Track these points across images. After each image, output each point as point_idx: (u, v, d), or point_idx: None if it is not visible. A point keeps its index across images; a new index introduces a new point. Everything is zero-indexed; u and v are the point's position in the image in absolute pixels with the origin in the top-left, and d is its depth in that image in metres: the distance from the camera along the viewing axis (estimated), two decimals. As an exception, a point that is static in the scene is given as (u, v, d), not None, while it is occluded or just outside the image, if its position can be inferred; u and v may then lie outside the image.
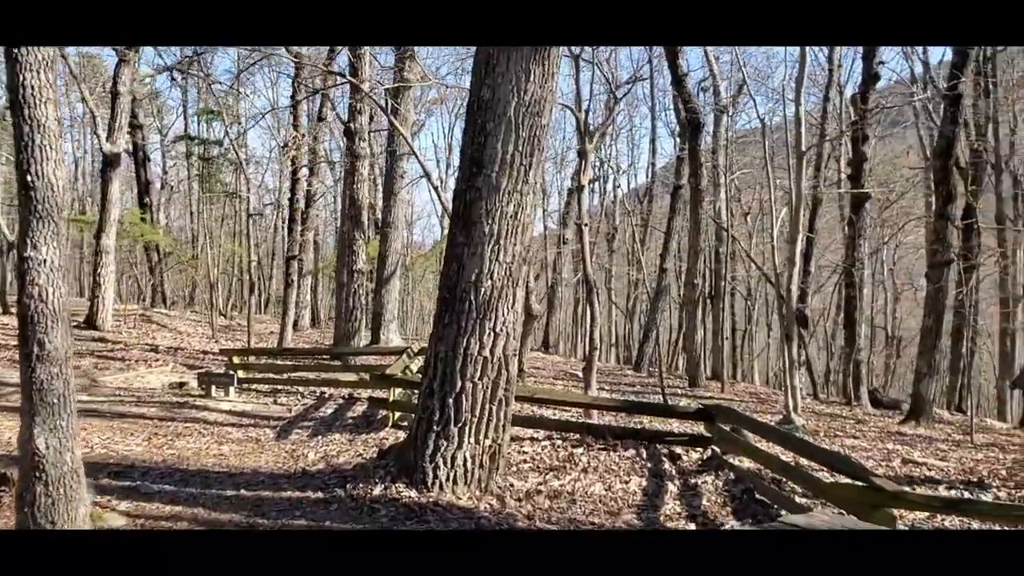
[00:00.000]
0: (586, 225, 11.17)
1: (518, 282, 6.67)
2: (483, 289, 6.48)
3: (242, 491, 6.91)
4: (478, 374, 6.58)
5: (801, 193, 13.42)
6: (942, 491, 8.08)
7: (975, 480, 8.95)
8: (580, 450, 8.09)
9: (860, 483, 5.25)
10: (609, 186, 36.52)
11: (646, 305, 37.51)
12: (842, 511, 5.47)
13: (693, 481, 7.48)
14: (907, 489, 5.87)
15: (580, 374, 20.81)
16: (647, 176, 36.61)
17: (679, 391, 18.49)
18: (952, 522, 5.84)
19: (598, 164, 34.37)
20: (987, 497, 8.11)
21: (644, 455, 8.04)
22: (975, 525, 5.72)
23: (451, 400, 6.58)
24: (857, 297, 21.06)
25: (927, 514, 5.90)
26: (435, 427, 6.60)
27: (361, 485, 6.72)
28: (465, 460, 6.60)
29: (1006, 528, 5.42)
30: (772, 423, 13.88)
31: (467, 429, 6.59)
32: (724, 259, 20.73)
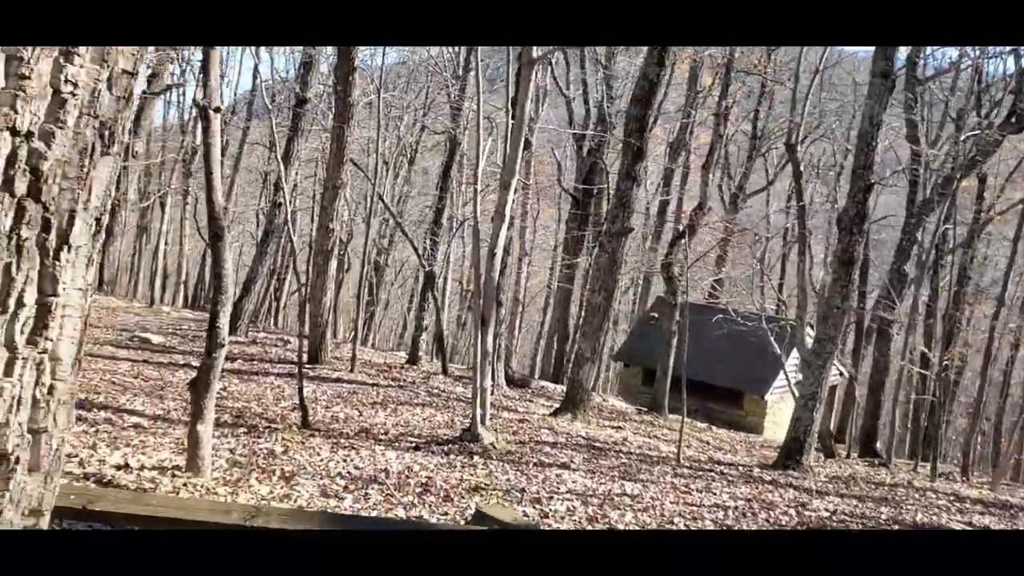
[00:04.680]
0: (217, 110, 5.95)
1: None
2: None
3: None
4: None
5: (524, 119, 9.42)
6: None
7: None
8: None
9: None
10: (190, 96, 29.75)
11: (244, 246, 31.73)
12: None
13: None
14: None
15: (154, 338, 14.93)
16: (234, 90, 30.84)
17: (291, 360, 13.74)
18: None
19: (178, 69, 27.54)
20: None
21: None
22: None
23: None
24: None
25: None
26: None
27: None
28: None
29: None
30: (449, 437, 9.95)
31: None
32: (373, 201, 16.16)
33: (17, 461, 1.54)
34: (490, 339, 9.79)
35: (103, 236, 1.66)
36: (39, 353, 1.53)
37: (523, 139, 9.44)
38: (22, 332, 1.47)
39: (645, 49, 24.47)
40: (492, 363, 10.79)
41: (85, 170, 1.54)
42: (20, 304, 1.45)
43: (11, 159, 1.39)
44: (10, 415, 1.48)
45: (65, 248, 1.53)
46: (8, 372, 1.47)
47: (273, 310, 30.27)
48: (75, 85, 1.48)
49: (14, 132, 1.39)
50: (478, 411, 9.52)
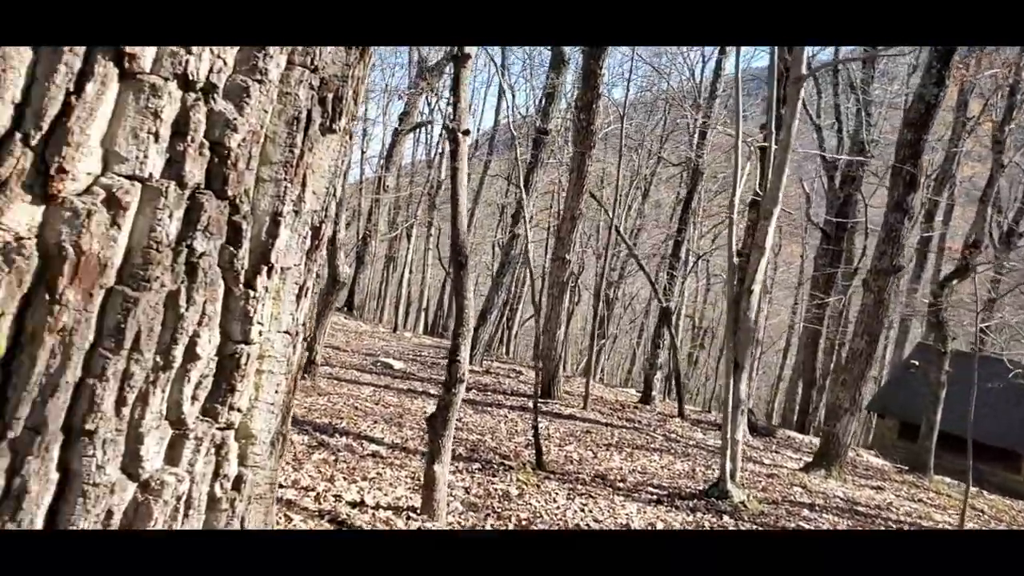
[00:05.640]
0: (466, 132, 5.61)
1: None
2: None
3: None
4: None
5: (791, 141, 8.43)
6: None
7: None
8: None
9: None
10: (437, 132, 30.96)
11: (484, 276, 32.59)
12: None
13: None
14: None
15: (396, 363, 15.23)
16: (485, 124, 31.70)
17: (523, 392, 13.39)
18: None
19: (427, 107, 28.68)
20: None
21: None
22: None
23: None
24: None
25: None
26: None
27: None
28: None
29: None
30: (693, 491, 9.09)
31: None
32: (611, 230, 15.65)
33: (182, 591, 1.02)
34: (743, 386, 8.83)
35: (322, 255, 1.12)
36: (220, 429, 1.00)
37: (787, 164, 8.48)
38: (194, 399, 0.95)
39: (903, 72, 22.26)
40: (745, 412, 9.79)
41: (297, 152, 1.00)
42: (191, 356, 0.93)
43: (180, 126, 0.87)
44: (174, 524, 0.96)
45: (264, 270, 0.99)
46: (173, 459, 0.95)
47: (505, 339, 30.61)
48: (283, 17, 0.95)
49: (186, 84, 0.87)
50: (727, 465, 8.58)
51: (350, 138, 1.12)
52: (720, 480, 8.64)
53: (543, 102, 18.07)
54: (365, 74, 1.10)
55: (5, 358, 0.85)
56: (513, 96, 20.26)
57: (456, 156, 5.57)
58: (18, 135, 0.82)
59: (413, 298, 34.14)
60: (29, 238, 0.84)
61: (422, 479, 6.07)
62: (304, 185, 1.03)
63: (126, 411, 0.90)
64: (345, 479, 6.61)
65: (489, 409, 12.47)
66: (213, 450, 1.00)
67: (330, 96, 1.03)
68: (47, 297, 0.84)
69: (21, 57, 0.83)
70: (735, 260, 9.46)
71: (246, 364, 1.00)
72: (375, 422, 9.73)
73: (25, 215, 0.84)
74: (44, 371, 0.85)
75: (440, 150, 29.95)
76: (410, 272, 31.63)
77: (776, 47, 9.86)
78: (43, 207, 0.85)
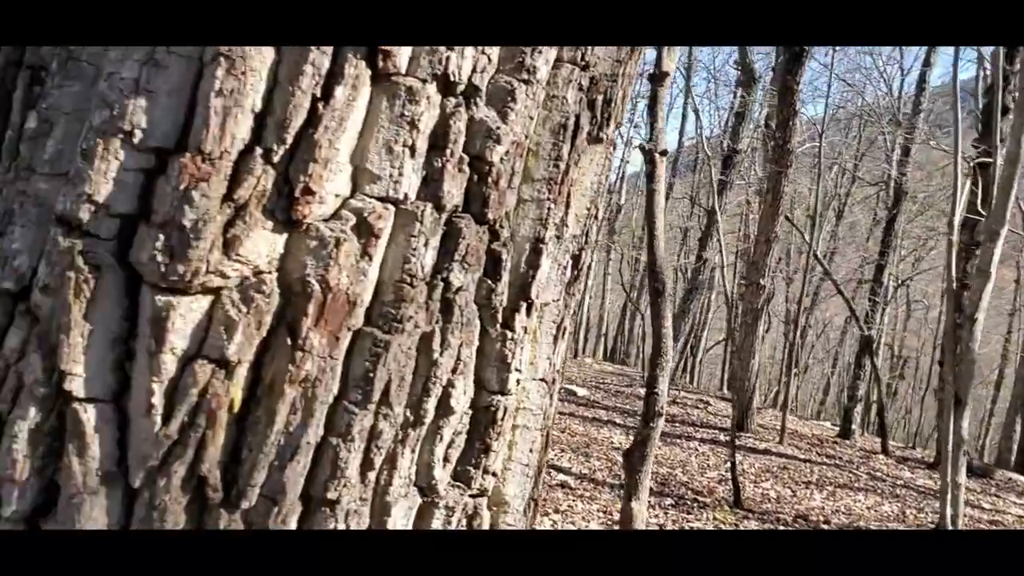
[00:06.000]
0: (664, 153, 5.39)
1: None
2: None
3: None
4: None
5: (1021, 152, 7.60)
6: None
7: None
8: None
9: None
10: (617, 156, 30.74)
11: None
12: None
13: None
14: None
15: (579, 390, 15.08)
16: (672, 142, 31.12)
17: (712, 424, 12.82)
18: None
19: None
20: None
21: None
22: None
23: None
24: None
25: None
26: None
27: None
28: None
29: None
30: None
31: None
32: (808, 256, 14.83)
33: None
34: (965, 424, 7.99)
35: (581, 288, 0.94)
36: (472, 496, 0.84)
37: (1016, 179, 7.63)
38: (445, 460, 0.80)
39: None
40: (967, 453, 8.88)
41: (563, 166, 0.83)
42: (445, 409, 0.78)
43: (439, 138, 0.72)
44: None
45: (523, 307, 0.83)
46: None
47: (689, 367, 29.80)
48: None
49: (447, 86, 0.72)
50: (948, 510, 7.77)
51: (613, 149, 0.95)
52: (939, 526, 7.84)
53: (731, 122, 17.52)
54: (635, 72, 0.92)
55: (240, 413, 0.73)
56: (698, 117, 19.76)
57: (653, 178, 5.35)
58: (258, 150, 0.71)
59: (592, 323, 33.97)
60: (270, 272, 0.72)
61: (617, 515, 5.84)
62: (568, 206, 0.86)
63: (372, 476, 0.76)
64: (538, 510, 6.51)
65: (678, 441, 12.04)
66: (464, 521, 0.85)
67: (599, 99, 0.86)
68: (288, 342, 0.72)
69: (262, 57, 0.72)
70: (951, 285, 8.63)
71: (502, 419, 0.83)
72: (562, 451, 9.60)
73: (265, 245, 0.72)
74: (283, 429, 0.73)
75: (620, 174, 29.72)
76: (590, 297, 31.54)
77: (992, 53, 9.00)
78: (285, 235, 0.73)
